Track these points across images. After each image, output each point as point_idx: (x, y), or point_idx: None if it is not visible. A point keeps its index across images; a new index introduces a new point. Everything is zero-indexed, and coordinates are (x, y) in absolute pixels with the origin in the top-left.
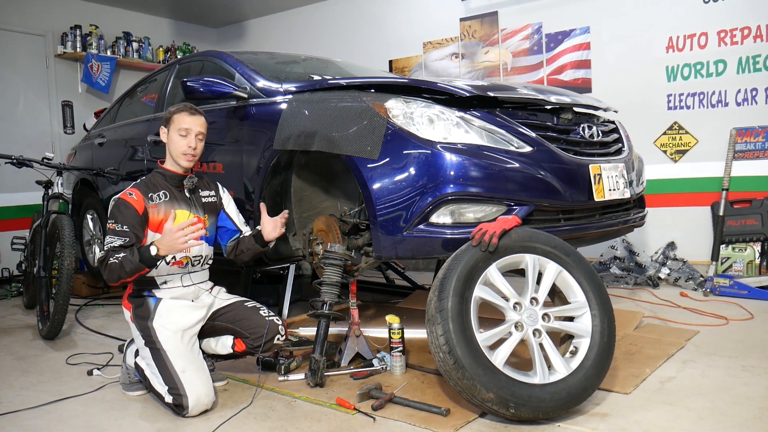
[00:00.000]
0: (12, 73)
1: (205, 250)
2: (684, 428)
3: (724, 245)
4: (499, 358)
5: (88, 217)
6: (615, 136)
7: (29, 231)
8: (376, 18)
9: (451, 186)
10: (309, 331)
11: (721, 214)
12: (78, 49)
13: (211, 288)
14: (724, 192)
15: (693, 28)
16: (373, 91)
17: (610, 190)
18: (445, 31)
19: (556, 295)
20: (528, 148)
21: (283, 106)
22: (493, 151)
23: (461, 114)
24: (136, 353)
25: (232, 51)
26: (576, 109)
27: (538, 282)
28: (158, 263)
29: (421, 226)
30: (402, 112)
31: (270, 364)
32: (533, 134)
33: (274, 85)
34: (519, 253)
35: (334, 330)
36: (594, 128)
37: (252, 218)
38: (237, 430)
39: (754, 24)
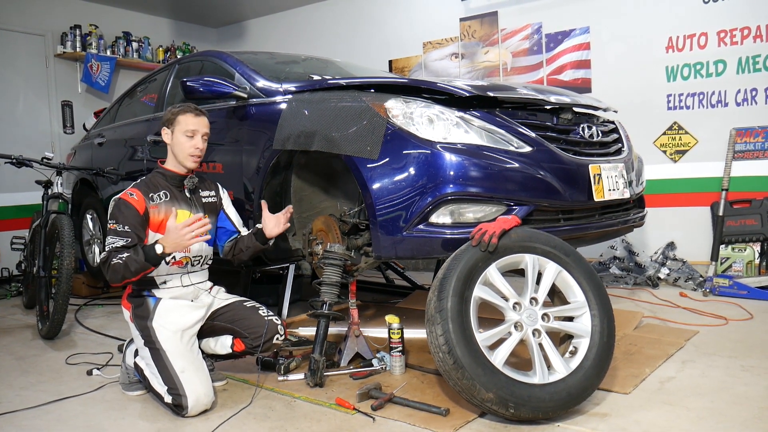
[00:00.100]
0: (12, 73)
1: (205, 250)
2: (683, 428)
3: (723, 245)
4: (498, 358)
5: (88, 217)
6: (615, 136)
7: (29, 231)
8: (375, 18)
9: (451, 186)
10: (308, 331)
11: (720, 214)
12: (78, 49)
13: (210, 288)
14: (724, 192)
15: (693, 28)
16: (372, 91)
17: (609, 190)
18: (445, 31)
19: (556, 295)
20: (528, 148)
21: (283, 106)
22: (492, 151)
23: (461, 114)
24: (136, 353)
25: (231, 51)
26: (576, 109)
27: (538, 282)
28: (166, 261)
29: (421, 226)
30: (402, 112)
31: (269, 364)
32: (533, 134)
33: (273, 85)
34: (519, 253)
35: (333, 330)
36: (594, 128)
37: (252, 218)
38: (236, 430)
39: (753, 24)
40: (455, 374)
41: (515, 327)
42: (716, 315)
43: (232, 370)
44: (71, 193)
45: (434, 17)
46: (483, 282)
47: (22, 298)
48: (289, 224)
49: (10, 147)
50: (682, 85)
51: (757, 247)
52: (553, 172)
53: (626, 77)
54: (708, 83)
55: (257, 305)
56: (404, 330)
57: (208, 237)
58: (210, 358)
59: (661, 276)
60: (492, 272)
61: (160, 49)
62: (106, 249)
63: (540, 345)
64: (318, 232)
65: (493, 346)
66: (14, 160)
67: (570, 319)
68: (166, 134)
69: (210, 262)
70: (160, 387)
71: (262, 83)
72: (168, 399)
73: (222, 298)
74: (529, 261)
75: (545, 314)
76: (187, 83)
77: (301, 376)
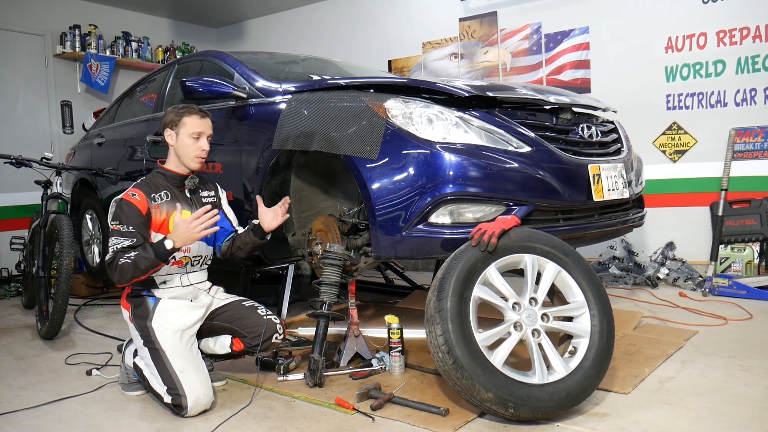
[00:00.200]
0: (11, 73)
1: (204, 250)
2: (683, 428)
3: (723, 245)
4: (498, 358)
5: (87, 217)
6: (614, 136)
7: (28, 231)
8: (375, 18)
9: (450, 186)
10: (308, 331)
11: (720, 214)
12: (77, 49)
13: (209, 288)
14: (723, 192)
15: (692, 28)
16: (372, 91)
17: (609, 190)
18: (445, 31)
19: (555, 295)
20: (527, 148)
21: (282, 106)
22: (492, 151)
23: (460, 114)
24: (135, 353)
25: (231, 51)
26: (575, 109)
27: (537, 282)
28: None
29: (420, 226)
30: (401, 112)
31: (269, 364)
32: (532, 134)
33: (273, 85)
34: (518, 253)
35: (333, 330)
36: (593, 128)
37: (251, 218)
38: (236, 430)
39: (753, 24)
40: (455, 374)
41: (515, 327)
42: (716, 315)
43: (231, 370)
44: (70, 193)
45: (434, 17)
46: (482, 282)
47: (22, 298)
48: (288, 215)
49: (9, 147)
50: (682, 85)
51: (756, 247)
52: (552, 172)
53: (626, 77)
54: (707, 83)
55: (256, 304)
56: (404, 330)
57: (217, 228)
58: (209, 358)
59: (661, 276)
60: (491, 272)
61: (160, 49)
62: (111, 250)
63: (539, 345)
64: (317, 232)
65: (493, 346)
66: (14, 160)
67: (569, 319)
68: (169, 136)
69: (209, 262)
70: (159, 387)
71: (261, 83)
72: (167, 399)
73: (221, 297)
74: (528, 261)
75: (545, 314)
76: (187, 83)
77: (300, 376)
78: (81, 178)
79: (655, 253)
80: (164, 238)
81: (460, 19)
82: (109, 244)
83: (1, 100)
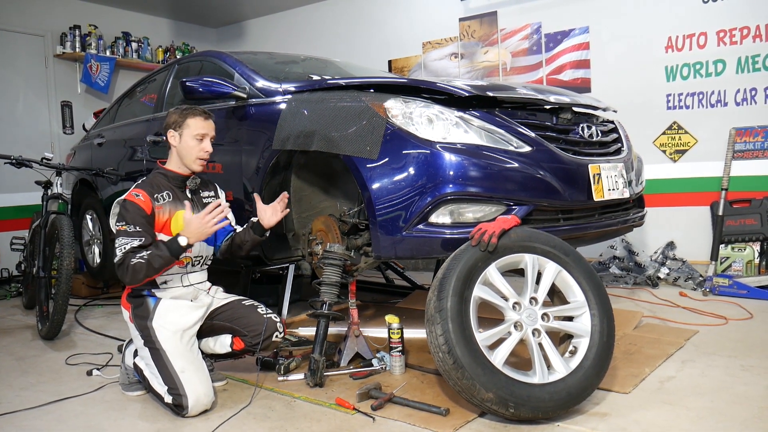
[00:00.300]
0: (11, 74)
1: (205, 250)
2: (683, 428)
3: (723, 245)
4: (498, 358)
5: (88, 217)
6: (614, 135)
7: (28, 231)
8: (375, 18)
9: (451, 186)
10: (308, 331)
11: (720, 213)
12: (77, 50)
13: (209, 288)
14: (724, 192)
15: (692, 28)
16: (372, 91)
17: (609, 189)
18: (445, 31)
19: (556, 295)
20: (527, 148)
21: (283, 106)
22: (492, 151)
23: (460, 114)
24: (135, 353)
25: (231, 51)
26: (575, 109)
27: (538, 282)
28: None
29: (421, 226)
30: (401, 111)
31: (269, 364)
32: (532, 134)
33: (273, 85)
34: (518, 253)
35: (333, 330)
36: (593, 128)
37: (252, 218)
38: (236, 430)
39: (753, 24)
40: (455, 374)
41: (515, 327)
42: (716, 314)
43: (231, 370)
44: (71, 194)
45: (434, 17)
46: (483, 282)
47: (22, 298)
48: (288, 209)
49: (9, 147)
50: (682, 84)
51: (756, 247)
52: (552, 171)
53: (626, 77)
54: (707, 83)
55: (256, 303)
56: (404, 330)
57: (228, 222)
58: (209, 357)
59: (661, 276)
60: (492, 272)
61: (160, 49)
62: (120, 251)
63: (540, 345)
64: (318, 232)
65: (493, 346)
66: (14, 161)
67: (570, 318)
68: (172, 137)
69: (209, 262)
70: (160, 387)
71: (261, 83)
72: (168, 399)
73: (220, 297)
74: (528, 261)
75: (545, 314)
76: (187, 83)
77: (300, 376)
78: (81, 178)
79: (655, 252)
80: (177, 235)
81: (460, 19)
82: (117, 245)
83: (2, 101)
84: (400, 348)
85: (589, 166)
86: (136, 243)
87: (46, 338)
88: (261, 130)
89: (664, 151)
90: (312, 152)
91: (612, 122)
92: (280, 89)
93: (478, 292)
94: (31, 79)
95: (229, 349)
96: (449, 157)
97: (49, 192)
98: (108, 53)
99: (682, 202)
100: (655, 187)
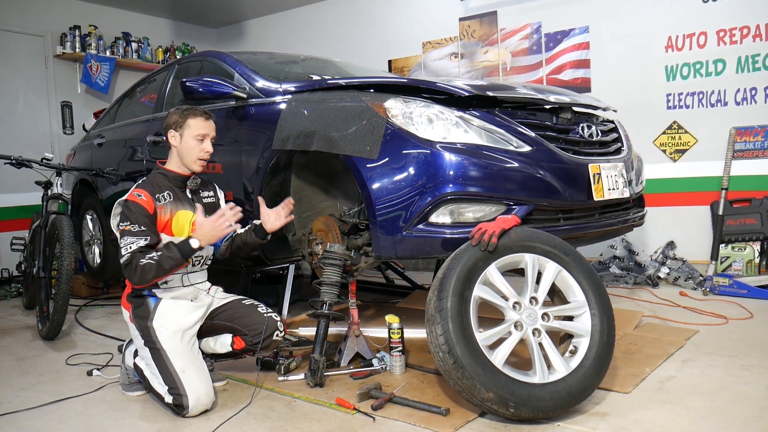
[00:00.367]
0: (11, 74)
1: (205, 250)
2: (684, 427)
3: (723, 244)
4: (498, 358)
5: (88, 217)
6: (614, 135)
7: (29, 231)
8: (375, 18)
9: (451, 186)
10: (309, 331)
11: (720, 213)
12: (77, 50)
13: (209, 288)
14: (724, 191)
15: (692, 27)
16: (372, 91)
17: (609, 189)
18: (445, 31)
19: (556, 295)
20: (527, 148)
21: (283, 106)
22: (492, 151)
23: (460, 114)
24: (135, 353)
25: (231, 51)
26: (575, 109)
27: (538, 281)
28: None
29: (421, 226)
30: (401, 111)
31: (270, 364)
32: (532, 134)
33: (273, 85)
34: (518, 253)
35: (333, 330)
36: (593, 128)
37: (251, 218)
38: (237, 430)
39: (753, 23)
40: (455, 374)
41: (515, 326)
42: (716, 314)
43: (232, 370)
44: (71, 194)
45: (434, 17)
46: (483, 281)
47: (22, 298)
48: (292, 216)
49: (9, 147)
50: (682, 84)
51: (757, 246)
52: (552, 171)
53: (626, 77)
54: (707, 82)
55: (256, 303)
56: (404, 330)
57: (239, 226)
58: (210, 357)
59: (661, 275)
60: (492, 272)
61: (160, 49)
62: (126, 250)
63: (540, 344)
64: (318, 232)
65: (493, 346)
66: (14, 161)
67: (570, 318)
68: (173, 137)
69: (209, 262)
70: (160, 387)
71: (261, 83)
72: (168, 399)
73: (220, 297)
74: (528, 260)
75: (545, 314)
76: (187, 83)
77: (301, 376)
78: (81, 178)
79: (655, 252)
80: (189, 237)
81: (460, 19)
82: (122, 245)
83: (2, 101)
84: (400, 348)
85: (589, 165)
86: (142, 243)
87: (46, 338)
88: (261, 130)
89: (664, 151)
90: (312, 152)
91: (612, 122)
92: (280, 89)
93: (479, 291)
94: (31, 79)
95: (230, 349)
96: (449, 157)
97: (50, 192)
98: (108, 53)
99: (683, 201)
100: (655, 186)
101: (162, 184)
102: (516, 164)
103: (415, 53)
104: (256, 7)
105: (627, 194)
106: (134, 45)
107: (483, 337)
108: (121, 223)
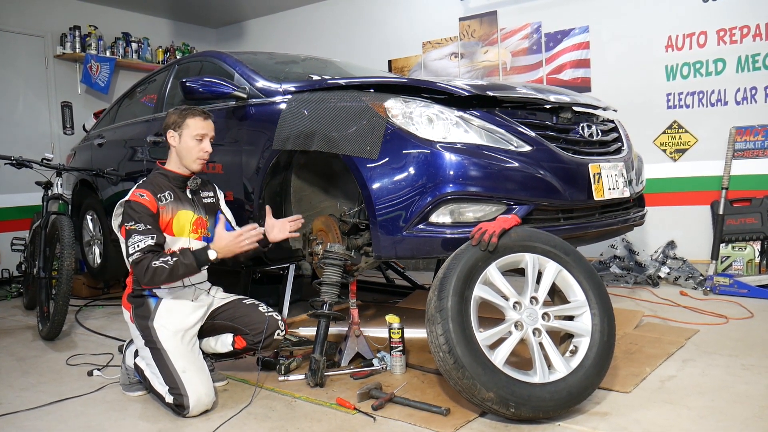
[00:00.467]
0: (11, 74)
1: None
2: (684, 427)
3: (723, 244)
4: (499, 358)
5: (88, 217)
6: (614, 135)
7: (29, 232)
8: (375, 18)
9: (451, 185)
10: (309, 331)
11: (720, 212)
12: (77, 50)
13: (209, 288)
14: (724, 191)
15: (692, 27)
16: (372, 90)
17: (609, 189)
18: (445, 31)
19: (556, 295)
20: (527, 148)
21: (283, 106)
22: (492, 151)
23: (460, 113)
24: (136, 354)
25: (231, 51)
26: (575, 109)
27: (538, 281)
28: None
29: (421, 226)
30: (401, 111)
31: (270, 364)
32: (532, 133)
33: (273, 85)
34: (519, 253)
35: (334, 330)
36: (593, 127)
37: (251, 218)
38: (237, 430)
39: (753, 23)
40: (456, 374)
41: (515, 326)
42: (717, 314)
43: (232, 371)
44: (71, 194)
45: (434, 17)
46: (483, 281)
47: (23, 299)
48: (298, 234)
49: (9, 148)
50: (682, 84)
51: (757, 246)
52: (552, 171)
53: (626, 76)
54: (708, 82)
55: (256, 302)
56: (404, 330)
57: (257, 246)
58: (210, 357)
59: (662, 275)
60: (492, 271)
61: (160, 49)
62: (135, 248)
63: (540, 344)
64: (318, 232)
65: (494, 346)
66: (14, 161)
67: (570, 318)
68: (172, 137)
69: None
70: (161, 387)
71: (261, 83)
72: (169, 399)
73: (221, 297)
74: (529, 260)
75: (545, 313)
76: (187, 84)
77: (301, 376)
78: (81, 179)
79: (655, 252)
80: (207, 247)
81: (460, 19)
82: (129, 244)
83: (2, 101)
84: (400, 348)
85: (590, 165)
86: (150, 241)
87: (46, 339)
88: (261, 130)
89: (665, 151)
90: (312, 152)
91: (612, 121)
92: (280, 89)
93: (479, 291)
94: (31, 79)
95: (231, 348)
96: (449, 157)
97: (50, 192)
98: (108, 54)
99: (683, 201)
100: (655, 186)
101: (163, 184)
102: (516, 164)
103: (415, 53)
104: (256, 7)
105: (627, 194)
106: (134, 45)
107: (483, 336)
108: (126, 224)
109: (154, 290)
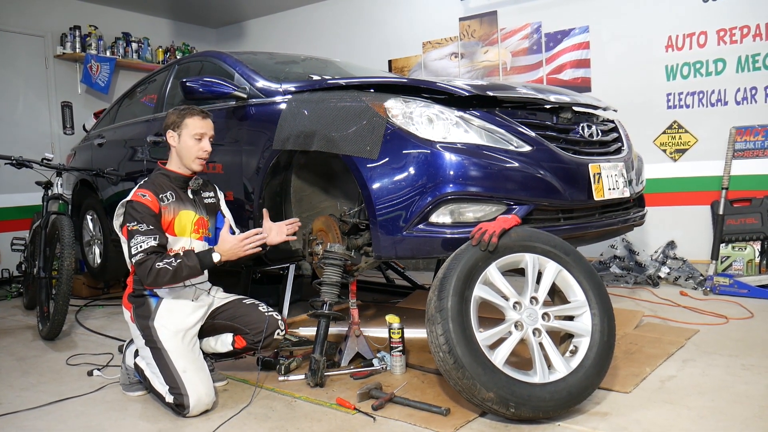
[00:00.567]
0: (11, 74)
1: None
2: (684, 427)
3: (723, 244)
4: (499, 358)
5: (88, 217)
6: (614, 135)
7: (29, 232)
8: (375, 18)
9: (451, 185)
10: (309, 331)
11: (720, 212)
12: (77, 50)
13: (210, 288)
14: (724, 191)
15: (692, 27)
16: (372, 90)
17: (609, 189)
18: (445, 31)
19: (556, 295)
20: (527, 148)
21: (283, 106)
22: (492, 151)
23: (460, 113)
24: (136, 353)
25: (231, 51)
26: (575, 109)
27: (538, 281)
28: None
29: (421, 226)
30: (401, 111)
31: (270, 364)
32: (533, 133)
33: (273, 85)
34: (519, 253)
35: (334, 330)
36: (593, 127)
37: (251, 218)
38: (237, 430)
39: (753, 23)
40: (456, 374)
41: (515, 326)
42: (717, 314)
43: (232, 370)
44: (71, 194)
45: (434, 17)
46: (483, 281)
47: (23, 299)
48: (295, 237)
49: (9, 148)
50: (682, 84)
51: (757, 246)
52: (552, 171)
53: (626, 76)
54: (708, 82)
55: (256, 302)
56: (405, 330)
57: (260, 250)
58: (210, 357)
59: (662, 275)
60: (492, 272)
61: (160, 49)
62: (138, 249)
63: (540, 344)
64: (318, 232)
65: (494, 346)
66: (14, 161)
67: (570, 318)
68: (171, 137)
69: None
70: (161, 387)
71: (261, 83)
72: (169, 399)
73: (221, 297)
74: (529, 260)
75: (545, 313)
76: (187, 84)
77: (301, 376)
78: (82, 178)
79: (656, 252)
80: (211, 250)
81: (460, 19)
82: (132, 244)
83: (2, 101)
84: (400, 348)
85: (590, 165)
86: (152, 242)
87: (46, 339)
88: (261, 130)
89: (665, 151)
90: (312, 152)
91: (612, 121)
92: (281, 89)
93: (479, 291)
94: (32, 79)
95: (231, 348)
96: (449, 157)
97: (50, 192)
98: (108, 54)
99: (683, 201)
100: (655, 186)
101: (164, 184)
102: (516, 164)
103: (415, 53)
104: (256, 7)
105: (627, 194)
106: (134, 45)
107: (483, 336)
108: (128, 224)
109: (155, 290)
